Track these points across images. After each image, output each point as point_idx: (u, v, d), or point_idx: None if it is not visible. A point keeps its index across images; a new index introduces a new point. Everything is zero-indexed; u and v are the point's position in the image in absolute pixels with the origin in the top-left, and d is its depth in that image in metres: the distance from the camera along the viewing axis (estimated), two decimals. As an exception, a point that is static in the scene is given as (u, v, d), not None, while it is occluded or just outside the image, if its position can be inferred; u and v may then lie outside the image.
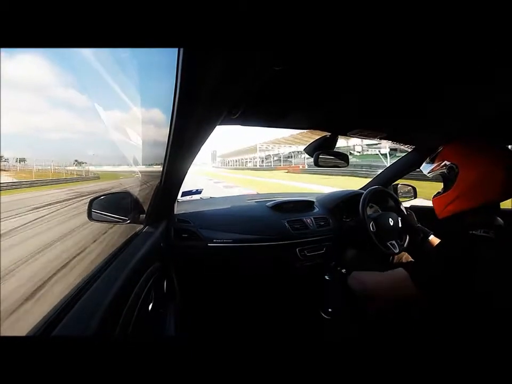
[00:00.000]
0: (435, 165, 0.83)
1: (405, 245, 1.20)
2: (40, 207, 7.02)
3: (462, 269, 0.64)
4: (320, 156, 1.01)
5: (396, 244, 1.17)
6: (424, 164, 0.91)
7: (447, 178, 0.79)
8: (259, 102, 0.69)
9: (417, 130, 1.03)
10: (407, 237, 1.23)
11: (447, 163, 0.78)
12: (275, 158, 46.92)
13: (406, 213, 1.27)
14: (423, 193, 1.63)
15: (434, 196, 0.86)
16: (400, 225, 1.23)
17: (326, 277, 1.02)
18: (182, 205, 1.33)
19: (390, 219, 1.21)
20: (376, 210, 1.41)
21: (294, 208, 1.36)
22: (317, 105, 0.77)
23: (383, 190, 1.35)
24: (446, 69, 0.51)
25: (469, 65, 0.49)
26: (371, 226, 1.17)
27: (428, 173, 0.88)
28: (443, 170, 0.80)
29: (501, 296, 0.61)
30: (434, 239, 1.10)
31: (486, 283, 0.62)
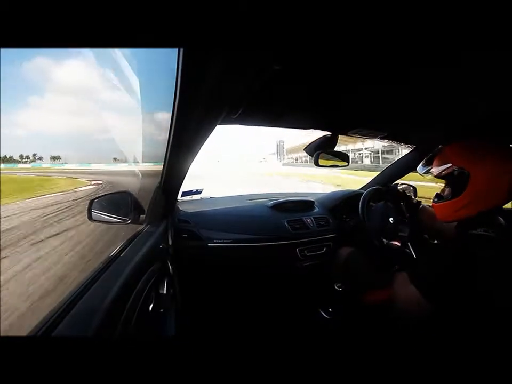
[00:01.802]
0: (438, 167, 0.78)
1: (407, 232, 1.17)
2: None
3: (462, 268, 0.65)
4: (320, 156, 1.01)
5: (403, 235, 1.14)
6: (420, 165, 0.89)
7: (456, 183, 0.74)
8: (259, 102, 0.69)
9: (418, 129, 1.03)
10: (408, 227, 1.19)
11: (455, 167, 0.73)
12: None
13: (391, 188, 1.24)
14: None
15: (437, 201, 0.81)
16: (397, 216, 1.19)
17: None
18: (182, 205, 1.33)
19: (391, 219, 1.20)
20: None
21: (294, 208, 1.36)
22: (317, 105, 0.77)
23: (382, 190, 1.34)
24: (446, 69, 0.51)
25: (469, 65, 0.49)
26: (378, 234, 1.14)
27: (424, 173, 0.85)
28: (451, 175, 0.75)
29: (501, 294, 0.62)
30: (426, 208, 1.09)
31: (486, 282, 0.62)
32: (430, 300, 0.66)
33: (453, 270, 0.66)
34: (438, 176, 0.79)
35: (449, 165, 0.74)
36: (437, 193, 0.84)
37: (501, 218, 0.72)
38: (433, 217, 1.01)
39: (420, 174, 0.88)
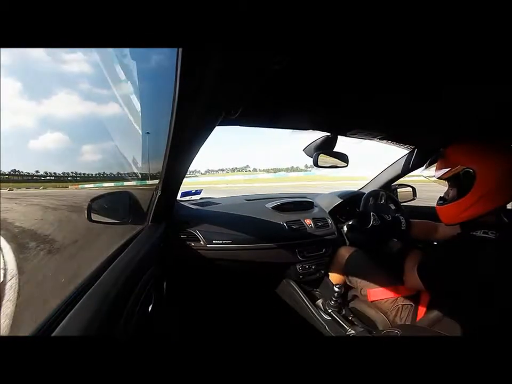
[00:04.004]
0: (442, 168, 0.77)
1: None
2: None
3: (462, 270, 0.65)
4: (320, 156, 1.01)
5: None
6: (424, 168, 0.88)
7: (461, 183, 0.73)
8: (258, 102, 0.69)
9: (417, 131, 1.03)
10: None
11: (461, 167, 0.72)
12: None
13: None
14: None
15: (442, 204, 0.80)
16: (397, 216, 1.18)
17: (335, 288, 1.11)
18: (182, 205, 1.33)
19: (389, 216, 1.19)
20: None
21: (293, 209, 1.36)
22: (317, 105, 0.77)
23: (382, 191, 1.35)
24: (446, 69, 0.52)
25: (469, 65, 0.49)
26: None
27: (427, 175, 0.84)
28: (456, 176, 0.74)
29: (500, 295, 0.62)
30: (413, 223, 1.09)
31: (485, 283, 0.63)
32: (433, 296, 0.67)
33: (453, 271, 0.67)
34: (443, 177, 0.78)
35: (455, 165, 0.74)
36: (440, 196, 0.83)
37: (505, 219, 0.72)
38: (424, 231, 1.04)
39: (424, 176, 0.87)
